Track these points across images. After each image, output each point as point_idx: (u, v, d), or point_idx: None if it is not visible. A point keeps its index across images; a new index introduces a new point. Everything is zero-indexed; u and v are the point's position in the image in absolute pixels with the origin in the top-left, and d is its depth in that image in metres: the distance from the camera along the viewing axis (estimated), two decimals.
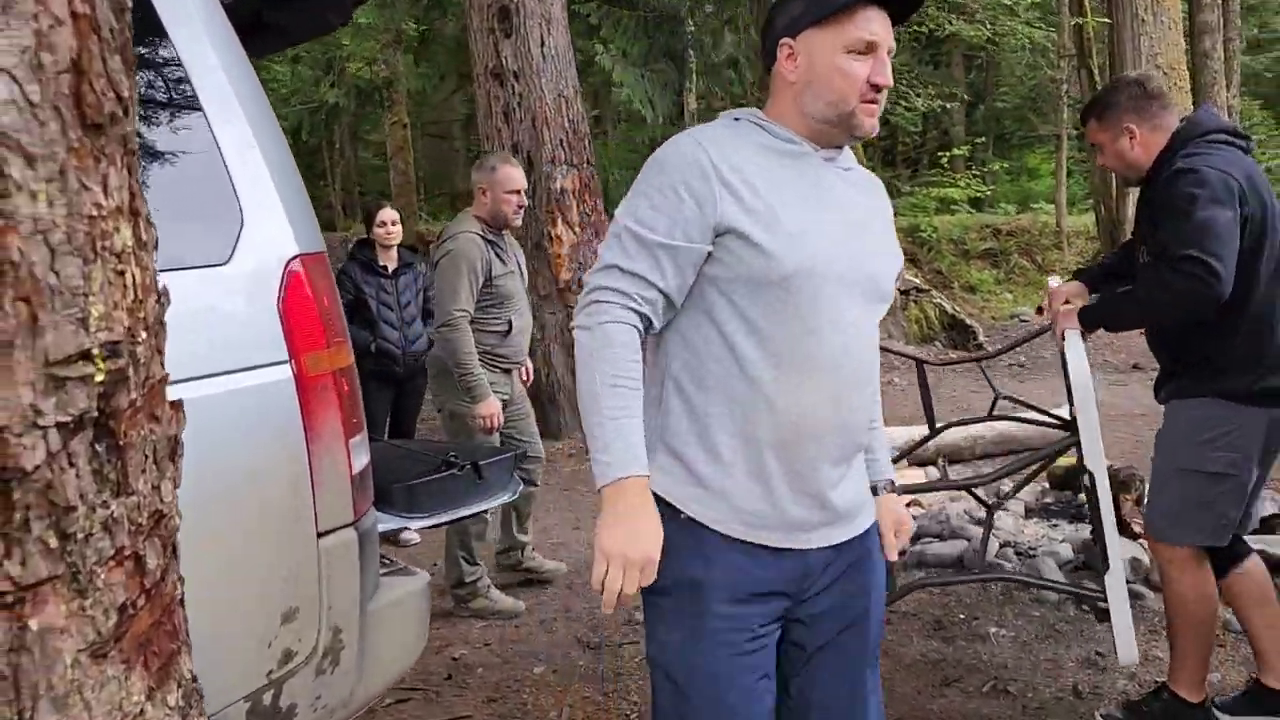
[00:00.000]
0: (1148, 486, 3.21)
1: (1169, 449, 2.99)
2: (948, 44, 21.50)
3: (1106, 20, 13.32)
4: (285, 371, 1.93)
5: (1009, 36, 17.79)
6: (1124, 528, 4.10)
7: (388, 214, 5.00)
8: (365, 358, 4.74)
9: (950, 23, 17.36)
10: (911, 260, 16.24)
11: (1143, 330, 3.21)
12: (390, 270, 5.02)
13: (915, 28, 17.67)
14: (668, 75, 9.75)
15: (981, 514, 4.50)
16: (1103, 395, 7.23)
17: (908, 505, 4.77)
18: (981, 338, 10.18)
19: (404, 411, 5.22)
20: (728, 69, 10.06)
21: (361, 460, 2.10)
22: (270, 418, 1.91)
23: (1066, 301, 3.11)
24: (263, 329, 1.92)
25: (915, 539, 4.38)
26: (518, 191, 4.07)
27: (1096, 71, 14.45)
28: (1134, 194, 14.16)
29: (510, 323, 4.11)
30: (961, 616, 3.82)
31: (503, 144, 6.74)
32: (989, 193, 20.46)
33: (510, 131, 6.72)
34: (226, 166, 1.93)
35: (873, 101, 1.70)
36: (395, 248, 5.07)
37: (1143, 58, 13.84)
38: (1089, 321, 3.01)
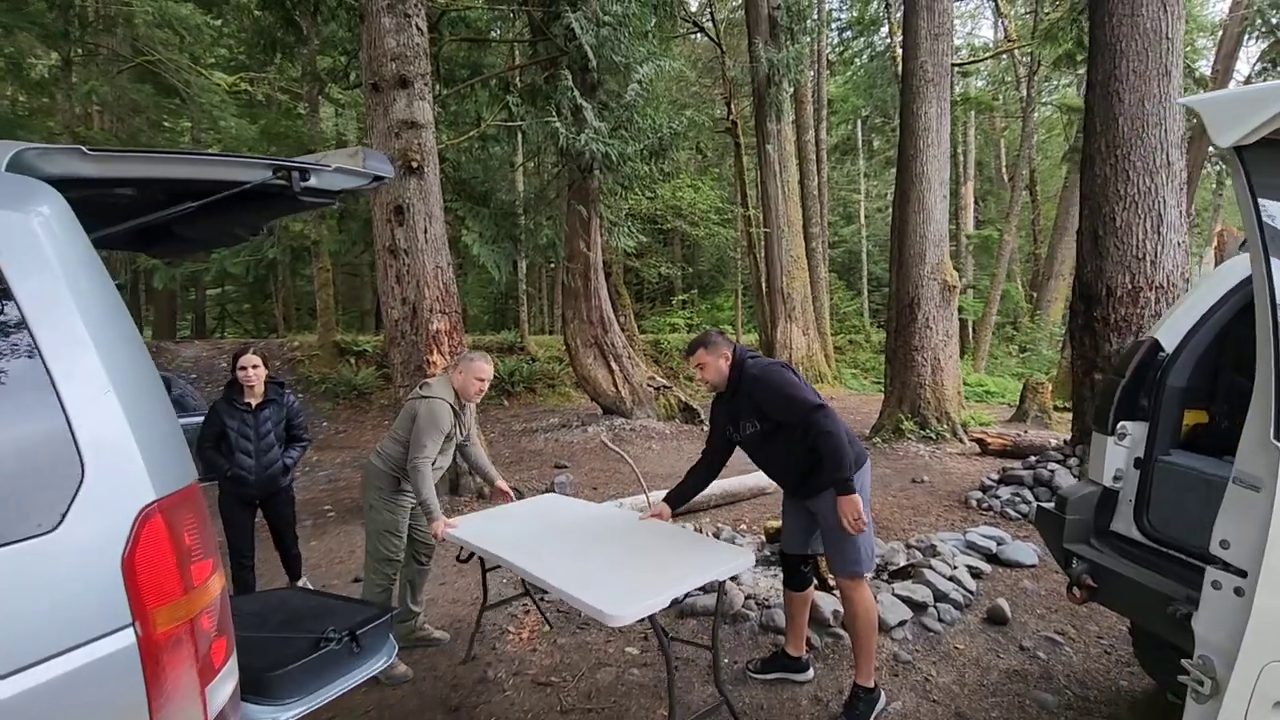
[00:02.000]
0: (828, 550, 2.79)
1: (833, 521, 2.64)
2: (671, 234, 21.90)
3: (767, 230, 13.77)
4: (126, 638, 1.07)
5: (706, 234, 18.31)
6: (825, 585, 3.67)
7: (248, 359, 3.57)
8: (225, 481, 3.55)
9: (669, 220, 17.74)
10: (656, 361, 16.10)
11: (760, 467, 2.93)
12: (254, 406, 3.59)
13: (650, 224, 17.93)
14: (508, 250, 9.05)
15: None
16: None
17: None
18: (702, 416, 9.92)
19: (277, 526, 3.81)
20: (548, 248, 9.48)
21: (222, 694, 1.25)
22: (104, 697, 1.04)
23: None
24: (98, 597, 1.06)
25: (685, 591, 3.76)
26: (483, 380, 3.21)
27: (761, 258, 14.88)
28: (798, 312, 14.78)
29: (435, 459, 3.16)
30: (725, 660, 3.22)
31: (396, 298, 5.80)
32: (697, 321, 20.84)
33: (401, 289, 5.79)
34: (66, 413, 1.07)
35: None
36: (261, 385, 3.63)
37: (783, 251, 14.45)
38: (849, 489, 2.57)
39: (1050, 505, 2.67)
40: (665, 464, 7.77)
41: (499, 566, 3.34)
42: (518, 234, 9.28)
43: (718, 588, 2.84)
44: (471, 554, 3.17)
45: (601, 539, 2.86)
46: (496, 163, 12.59)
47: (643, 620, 3.35)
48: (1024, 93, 19.60)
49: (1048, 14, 14.20)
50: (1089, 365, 5.54)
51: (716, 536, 4.66)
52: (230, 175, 1.47)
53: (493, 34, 10.69)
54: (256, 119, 15.86)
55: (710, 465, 2.99)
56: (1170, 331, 2.45)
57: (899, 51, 20.05)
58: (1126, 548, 2.45)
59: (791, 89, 15.39)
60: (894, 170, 26.81)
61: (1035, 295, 19.10)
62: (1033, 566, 4.24)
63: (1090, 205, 5.52)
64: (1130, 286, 5.26)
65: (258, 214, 1.81)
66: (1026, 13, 21.47)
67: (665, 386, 10.12)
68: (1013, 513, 5.38)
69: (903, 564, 3.92)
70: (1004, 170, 23.79)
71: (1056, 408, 9.98)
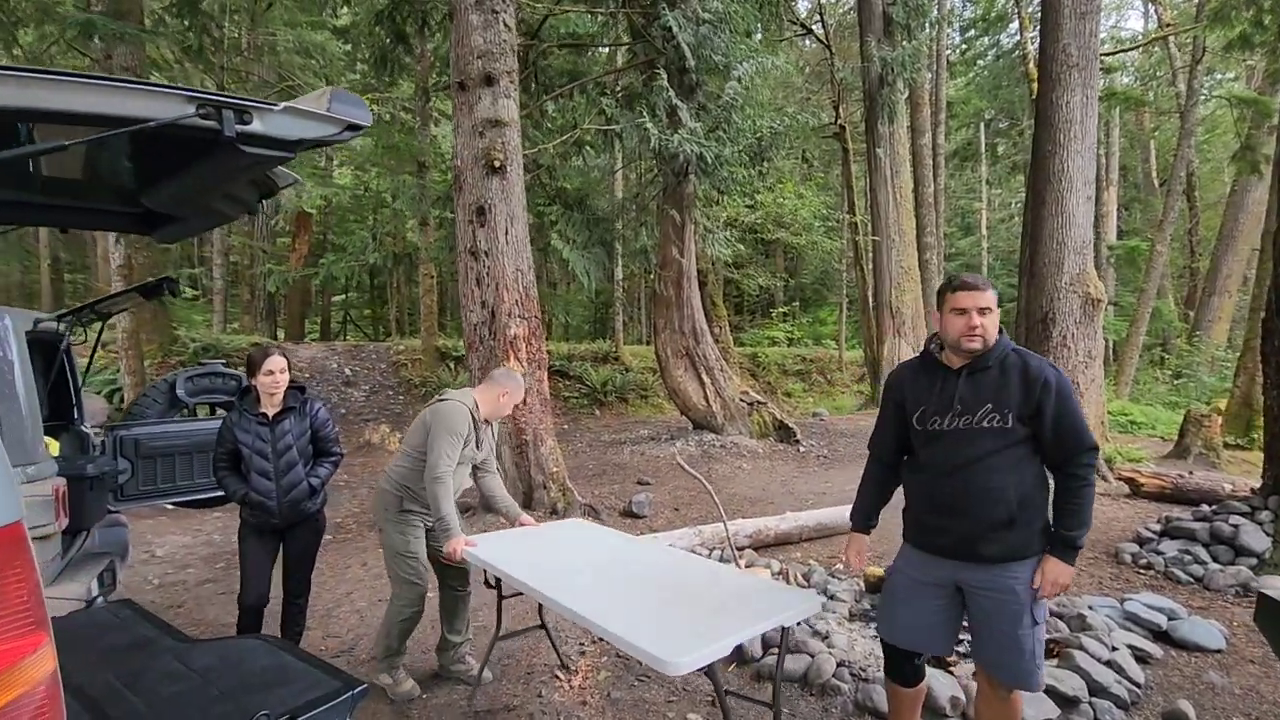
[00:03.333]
0: (994, 651, 1.94)
1: (1022, 607, 1.88)
2: (773, 245, 21.06)
3: (875, 238, 12.77)
4: None
5: (809, 244, 17.40)
6: (942, 664, 2.94)
7: (275, 362, 2.88)
8: (244, 508, 2.93)
9: (771, 230, 16.99)
10: (753, 375, 15.35)
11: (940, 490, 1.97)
12: (271, 416, 2.93)
13: (751, 234, 17.20)
14: (599, 256, 8.75)
15: (820, 625, 3.32)
16: None
17: None
18: (799, 435, 9.15)
19: (291, 562, 3.04)
20: (642, 254, 9.11)
21: None
22: None
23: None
24: None
25: (765, 647, 3.15)
26: (518, 401, 2.98)
27: (868, 270, 13.85)
28: (905, 336, 13.65)
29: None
30: None
31: (475, 301, 5.57)
32: (797, 335, 19.87)
33: (481, 292, 5.55)
34: None
35: None
36: (282, 393, 2.95)
37: (893, 262, 13.33)
38: (1074, 557, 1.89)
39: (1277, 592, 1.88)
40: (756, 486, 7.11)
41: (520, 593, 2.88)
42: (612, 240, 8.96)
43: (781, 635, 2.28)
44: (500, 581, 2.75)
45: (644, 575, 2.42)
46: (597, 173, 12.41)
47: (702, 673, 2.78)
48: (1181, 87, 17.26)
49: None
50: None
51: (807, 579, 4.00)
52: (126, 109, 1.08)
53: (592, 39, 10.49)
54: (380, 137, 16.69)
55: (889, 465, 2.19)
56: None
57: (1030, 49, 18.27)
58: None
59: (906, 91, 14.27)
60: (1020, 178, 24.47)
61: (1192, 314, 16.66)
62: (1219, 652, 3.27)
63: None
64: None
65: (215, 174, 1.43)
66: (1185, 1, 19.01)
67: (760, 402, 9.43)
68: (1182, 575, 4.32)
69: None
70: (1154, 175, 21.12)
71: (1227, 445, 8.40)
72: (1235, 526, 4.47)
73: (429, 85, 11.46)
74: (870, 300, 13.85)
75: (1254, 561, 4.28)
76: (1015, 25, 19.06)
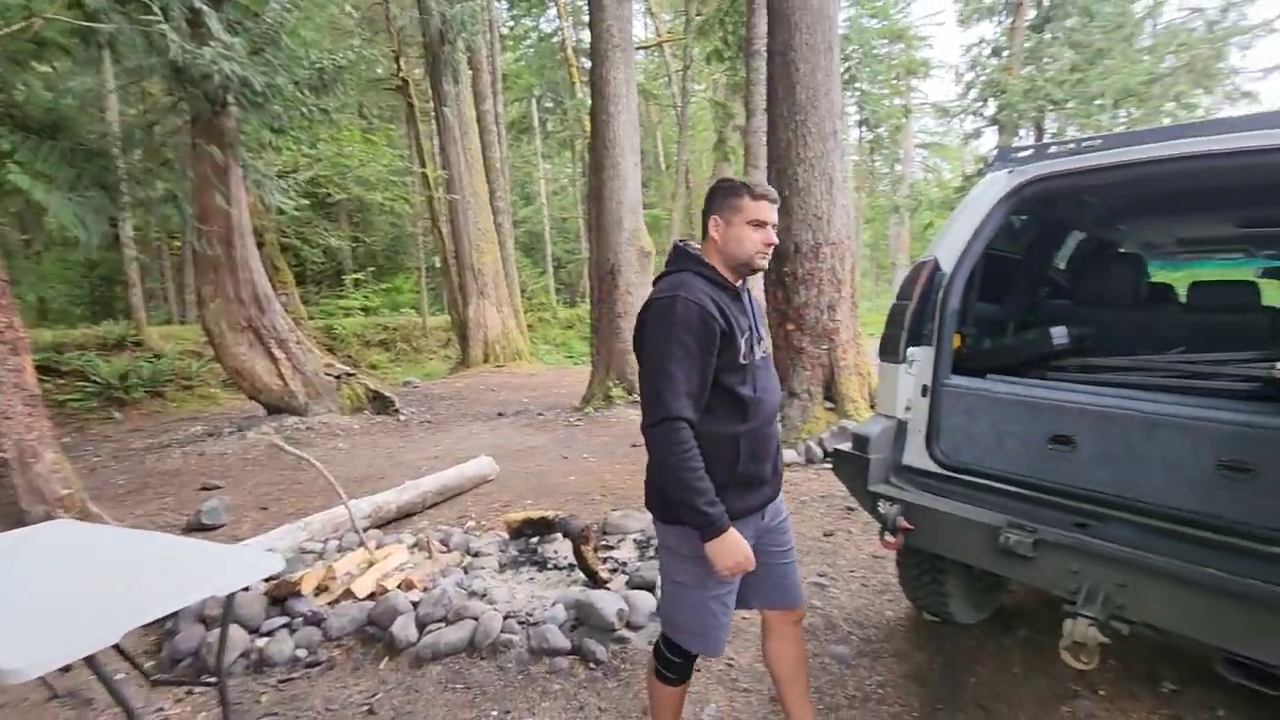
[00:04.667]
0: (788, 577, 1.85)
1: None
2: (336, 208, 19.09)
3: (455, 196, 12.64)
4: None
5: (382, 204, 16.28)
6: (594, 578, 3.02)
7: None
8: None
9: (335, 184, 15.41)
10: (330, 350, 13.78)
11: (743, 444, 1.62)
12: None
13: (315, 188, 15.26)
14: (99, 203, 6.42)
15: (475, 584, 3.09)
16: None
17: (402, 586, 3.15)
18: (398, 404, 8.56)
19: None
20: (166, 204, 7.02)
21: None
22: None
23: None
24: None
25: (422, 626, 2.77)
26: None
27: (447, 232, 13.66)
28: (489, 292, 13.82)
29: None
30: (495, 713, 2.36)
31: None
32: (374, 303, 18.63)
33: None
34: None
35: None
36: None
37: (470, 224, 13.47)
38: None
39: (847, 446, 2.42)
40: (360, 464, 6.38)
41: None
42: (115, 182, 6.68)
43: (225, 604, 2.02)
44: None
45: (82, 566, 2.01)
46: (73, 99, 9.07)
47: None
48: (676, 89, 21.55)
49: (698, 15, 15.53)
50: (782, 317, 5.89)
51: (446, 544, 3.71)
52: None
53: None
54: None
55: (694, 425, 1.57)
56: (948, 250, 2.33)
57: (567, 36, 20.33)
58: (926, 480, 2.29)
59: (467, 53, 14.34)
60: (568, 154, 27.08)
61: None
62: None
63: (777, 168, 5.83)
64: (813, 243, 5.69)
65: None
66: (674, 19, 23.63)
67: (349, 374, 8.48)
68: None
69: None
70: (662, 158, 26.09)
71: None
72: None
73: None
74: (452, 262, 13.76)
75: None
76: (554, 11, 20.90)
